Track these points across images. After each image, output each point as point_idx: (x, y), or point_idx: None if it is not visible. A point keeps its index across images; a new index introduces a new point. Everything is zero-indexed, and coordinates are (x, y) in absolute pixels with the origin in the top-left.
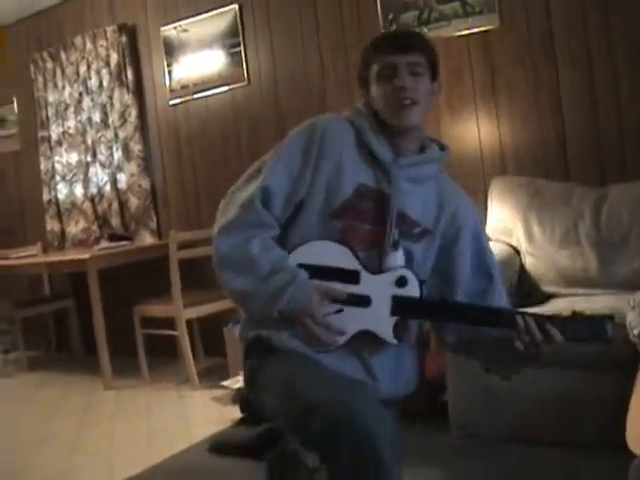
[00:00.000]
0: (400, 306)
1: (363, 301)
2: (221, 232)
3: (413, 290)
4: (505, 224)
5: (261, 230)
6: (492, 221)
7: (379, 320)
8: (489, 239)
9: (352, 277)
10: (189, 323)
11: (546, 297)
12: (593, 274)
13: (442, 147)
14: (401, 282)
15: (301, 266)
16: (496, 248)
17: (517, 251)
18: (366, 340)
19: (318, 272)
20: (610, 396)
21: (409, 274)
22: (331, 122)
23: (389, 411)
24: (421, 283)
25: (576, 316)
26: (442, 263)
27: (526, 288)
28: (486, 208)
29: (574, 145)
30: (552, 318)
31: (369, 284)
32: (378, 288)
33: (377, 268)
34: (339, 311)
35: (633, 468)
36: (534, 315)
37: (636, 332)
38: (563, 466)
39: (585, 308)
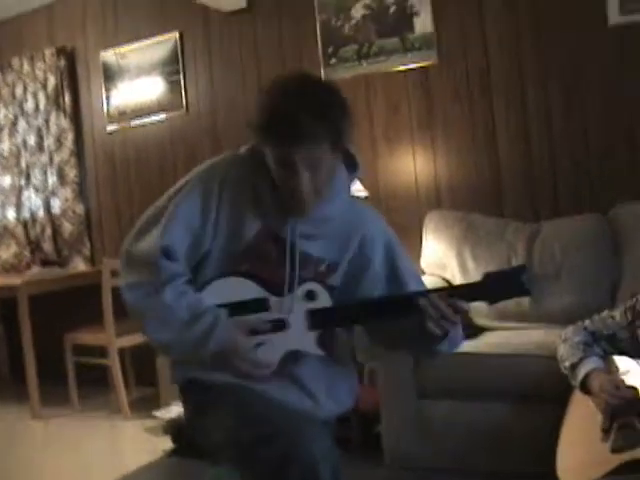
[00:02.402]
0: (316, 319)
1: (280, 325)
2: (131, 287)
3: (324, 300)
4: (440, 258)
5: (171, 280)
6: (427, 255)
7: (301, 338)
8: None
9: (261, 305)
10: (121, 352)
11: (479, 330)
12: (525, 308)
13: (353, 163)
14: (310, 296)
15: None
16: (430, 282)
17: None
18: (297, 361)
19: (228, 309)
20: (542, 428)
21: (315, 286)
22: (229, 171)
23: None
24: (332, 291)
25: (488, 278)
26: (355, 290)
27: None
28: (421, 241)
29: (508, 181)
30: (467, 287)
31: (280, 307)
32: (290, 308)
33: (282, 289)
34: (260, 344)
35: None
36: (439, 290)
37: (567, 364)
38: None
39: (518, 342)
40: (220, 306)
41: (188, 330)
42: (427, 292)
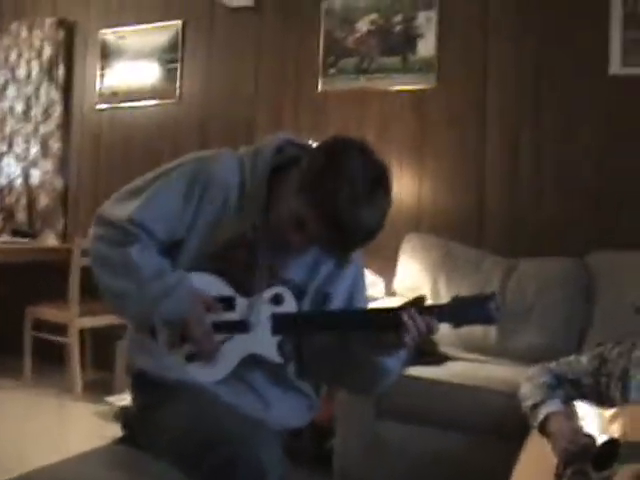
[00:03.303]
0: (280, 324)
1: (242, 326)
2: (99, 238)
3: (290, 306)
4: (413, 280)
5: (140, 239)
6: (401, 276)
7: (262, 342)
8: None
9: (227, 303)
10: (82, 333)
11: (444, 358)
12: (492, 343)
13: None
14: (277, 300)
15: None
16: (400, 303)
17: None
18: (255, 367)
19: None
20: (497, 464)
21: (283, 290)
22: (221, 171)
23: (283, 445)
24: (299, 297)
25: (457, 301)
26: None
27: (424, 347)
28: (396, 262)
29: (492, 213)
30: (436, 307)
31: (246, 308)
32: (255, 310)
33: (251, 290)
34: (221, 342)
35: None
36: (412, 308)
37: (529, 404)
38: None
39: (482, 376)
40: None
41: (149, 284)
42: (398, 309)
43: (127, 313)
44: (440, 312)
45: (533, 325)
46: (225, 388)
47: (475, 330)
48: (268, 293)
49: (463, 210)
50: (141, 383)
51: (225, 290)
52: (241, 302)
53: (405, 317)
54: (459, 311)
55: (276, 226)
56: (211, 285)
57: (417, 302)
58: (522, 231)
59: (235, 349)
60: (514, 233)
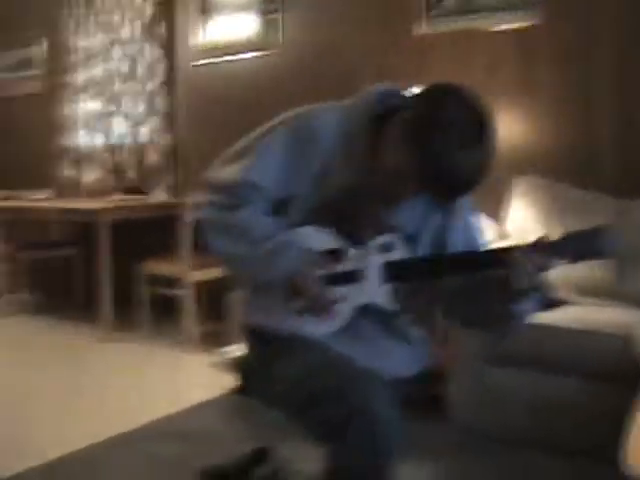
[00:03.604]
0: (390, 272)
1: (354, 277)
2: (210, 204)
3: (400, 253)
4: (524, 223)
5: (249, 201)
6: (513, 219)
7: (374, 291)
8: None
9: (337, 255)
10: (196, 286)
11: (558, 303)
12: (608, 286)
13: None
14: (387, 248)
15: None
16: (514, 243)
17: None
18: (368, 318)
19: None
20: (611, 409)
21: (393, 237)
22: (319, 125)
23: (397, 395)
24: (411, 239)
25: (569, 236)
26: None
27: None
28: (507, 205)
29: (605, 153)
30: (548, 243)
31: (356, 258)
32: (366, 259)
33: (361, 239)
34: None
35: None
36: (523, 246)
37: None
38: (558, 473)
39: (596, 319)
40: None
41: (259, 245)
42: (510, 248)
43: (240, 274)
44: (553, 248)
45: None
46: (338, 339)
47: (592, 273)
48: (378, 241)
49: (574, 151)
50: (257, 337)
51: (335, 242)
52: (351, 253)
53: (517, 255)
54: (573, 246)
55: (382, 177)
56: (321, 238)
57: (535, 242)
58: (635, 171)
59: (348, 300)
60: (627, 173)
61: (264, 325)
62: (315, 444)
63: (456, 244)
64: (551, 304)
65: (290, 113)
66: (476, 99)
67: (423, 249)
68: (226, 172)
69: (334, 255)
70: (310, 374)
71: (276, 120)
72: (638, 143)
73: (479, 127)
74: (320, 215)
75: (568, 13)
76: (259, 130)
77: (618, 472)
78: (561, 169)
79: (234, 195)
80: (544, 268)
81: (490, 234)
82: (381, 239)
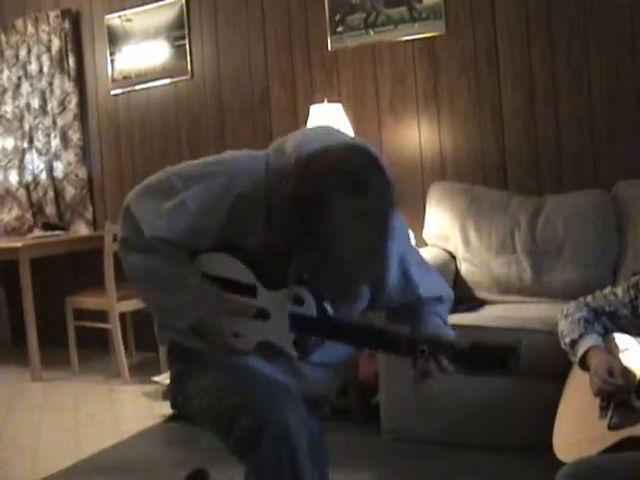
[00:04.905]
0: (297, 323)
1: (263, 314)
2: (125, 247)
3: (309, 309)
4: (442, 229)
5: (164, 249)
6: (429, 226)
7: (279, 333)
8: (419, 255)
9: (250, 290)
10: (122, 316)
11: (481, 303)
12: (527, 283)
13: None
14: (297, 300)
15: (203, 275)
16: (432, 253)
17: (453, 257)
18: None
19: (218, 282)
20: (540, 403)
21: (305, 293)
22: (245, 187)
23: (315, 412)
24: (320, 301)
25: (476, 349)
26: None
27: (461, 294)
28: (424, 212)
29: (513, 154)
30: (453, 349)
31: (266, 299)
32: (276, 303)
33: (274, 285)
34: (237, 335)
35: (560, 477)
36: (430, 344)
37: (567, 341)
38: (493, 471)
39: (520, 316)
40: (212, 277)
41: (172, 297)
42: (413, 340)
43: (160, 321)
44: (456, 356)
45: (565, 261)
46: (254, 355)
47: (510, 271)
48: (290, 291)
49: (485, 154)
50: (174, 353)
51: (249, 278)
52: (262, 292)
53: (417, 354)
54: (476, 359)
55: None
56: (235, 270)
57: (437, 343)
58: (545, 168)
59: (255, 332)
60: (537, 171)
61: (179, 341)
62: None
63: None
64: (472, 306)
65: (212, 166)
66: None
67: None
68: (143, 210)
69: (246, 288)
70: (224, 390)
71: (201, 167)
72: (545, 141)
73: (357, 174)
74: (239, 253)
75: (472, 23)
76: (182, 170)
77: (551, 464)
78: (475, 172)
79: (148, 243)
80: (441, 372)
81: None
82: (294, 290)
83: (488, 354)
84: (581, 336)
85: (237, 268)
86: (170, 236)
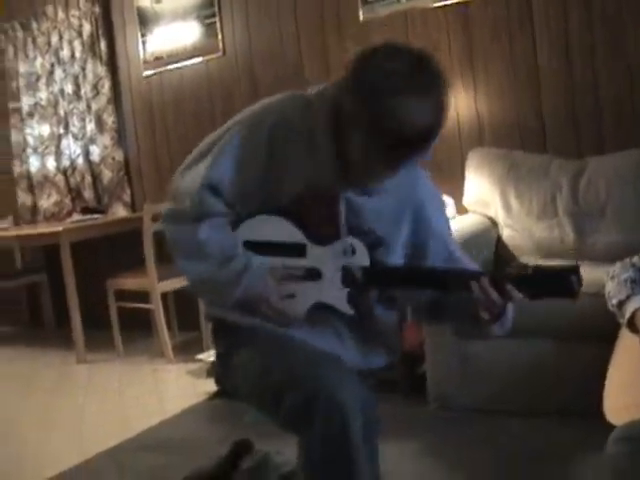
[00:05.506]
0: (349, 276)
1: (313, 274)
2: (169, 219)
3: (362, 259)
4: (482, 196)
5: (209, 215)
6: (469, 193)
7: (332, 292)
8: (451, 227)
9: (298, 251)
10: (164, 296)
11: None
12: (570, 246)
13: None
14: (349, 251)
15: (246, 243)
16: (473, 220)
17: (494, 223)
18: (332, 313)
19: (264, 248)
20: (587, 367)
21: (356, 242)
22: (284, 114)
23: (364, 383)
24: (379, 248)
25: (537, 272)
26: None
27: (503, 259)
28: (463, 180)
29: (551, 117)
30: (511, 275)
31: (316, 256)
32: (326, 259)
33: (324, 240)
34: (290, 295)
35: (612, 440)
36: (490, 275)
37: (614, 302)
38: (540, 437)
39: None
40: (257, 243)
41: (217, 271)
42: (476, 274)
43: (204, 298)
44: (518, 282)
45: (608, 222)
46: (306, 330)
47: (552, 235)
48: (341, 243)
49: (522, 118)
50: (219, 330)
51: (296, 236)
52: (313, 250)
53: (476, 288)
54: (538, 283)
55: (354, 164)
56: (283, 231)
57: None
58: (585, 130)
59: (306, 298)
60: (577, 133)
61: (225, 318)
62: (289, 434)
63: (434, 254)
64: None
65: (246, 111)
66: (407, 46)
67: (395, 255)
68: (186, 180)
69: (294, 249)
70: (270, 366)
71: (234, 119)
72: (583, 101)
73: (418, 68)
74: (285, 207)
75: None
76: (217, 131)
77: (600, 428)
78: (514, 137)
79: (193, 205)
80: (511, 299)
81: (449, 210)
82: (345, 241)
83: (552, 276)
84: (628, 297)
85: (283, 227)
86: (218, 179)
